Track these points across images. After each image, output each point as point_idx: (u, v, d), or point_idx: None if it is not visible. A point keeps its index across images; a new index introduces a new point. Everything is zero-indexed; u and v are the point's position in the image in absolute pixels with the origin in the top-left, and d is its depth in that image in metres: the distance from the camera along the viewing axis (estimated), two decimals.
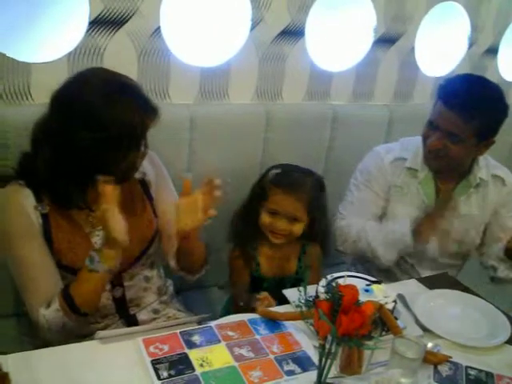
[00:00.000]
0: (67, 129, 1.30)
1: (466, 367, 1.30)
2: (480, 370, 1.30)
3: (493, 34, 2.50)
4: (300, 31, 1.99)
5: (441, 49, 2.34)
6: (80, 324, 1.39)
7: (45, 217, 1.38)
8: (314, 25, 1.99)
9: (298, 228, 1.71)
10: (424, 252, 1.84)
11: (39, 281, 1.39)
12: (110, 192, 1.27)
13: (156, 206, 1.57)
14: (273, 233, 1.70)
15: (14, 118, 1.57)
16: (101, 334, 1.26)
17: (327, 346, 0.95)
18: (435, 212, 1.76)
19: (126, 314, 1.54)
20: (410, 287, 1.66)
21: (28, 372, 1.12)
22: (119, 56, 1.71)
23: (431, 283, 1.68)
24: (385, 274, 1.85)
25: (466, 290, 1.67)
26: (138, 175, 1.52)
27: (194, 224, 1.37)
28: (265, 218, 1.70)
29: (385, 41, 2.21)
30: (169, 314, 1.63)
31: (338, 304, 0.93)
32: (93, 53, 1.68)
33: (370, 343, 0.98)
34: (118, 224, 1.29)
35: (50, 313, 1.36)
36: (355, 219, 1.86)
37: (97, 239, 1.42)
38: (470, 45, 2.42)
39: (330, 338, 0.96)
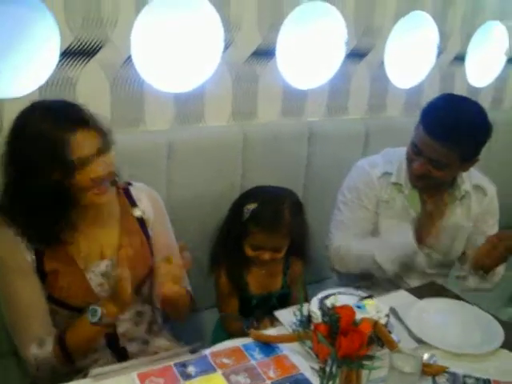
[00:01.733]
0: (12, 160, 1.32)
1: (464, 376, 1.30)
2: (477, 378, 1.30)
3: (460, 41, 2.54)
4: (271, 51, 2.00)
5: (410, 59, 2.36)
6: (68, 366, 1.37)
7: (38, 253, 1.37)
8: (285, 43, 1.99)
9: (282, 253, 1.74)
10: (412, 264, 1.83)
11: (30, 319, 1.38)
12: (125, 257, 1.31)
13: (153, 244, 1.56)
14: (258, 260, 1.72)
15: None
16: (94, 372, 1.23)
17: (328, 370, 0.94)
18: (425, 216, 1.77)
19: (115, 347, 1.51)
20: (399, 298, 1.66)
21: None
22: (91, 86, 1.70)
23: (420, 293, 1.68)
24: (373, 287, 1.84)
25: (455, 296, 1.68)
26: (136, 213, 1.52)
27: (173, 293, 1.36)
28: (248, 252, 1.73)
29: (356, 55, 2.24)
30: (159, 345, 1.60)
31: (337, 326, 0.92)
32: (64, 84, 1.66)
33: (370, 363, 0.97)
34: (129, 287, 1.30)
35: (41, 353, 1.35)
36: (351, 239, 1.84)
37: (91, 275, 1.42)
38: (439, 53, 2.46)
39: (329, 360, 0.95)
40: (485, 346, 1.41)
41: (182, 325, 1.88)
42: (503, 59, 2.73)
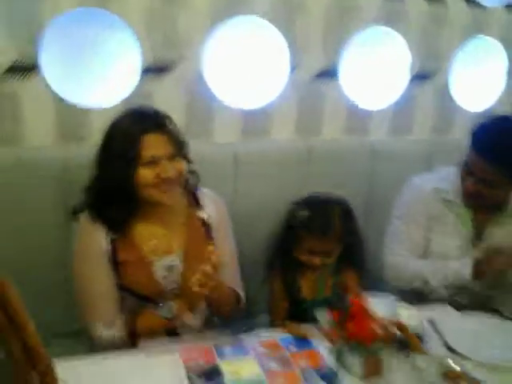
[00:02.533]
0: (99, 157, 1.53)
1: None
2: None
3: None
4: (335, 71, 2.12)
5: (478, 83, 2.39)
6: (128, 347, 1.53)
7: (113, 243, 1.55)
8: (349, 65, 2.12)
9: (333, 258, 1.82)
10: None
11: (101, 302, 1.56)
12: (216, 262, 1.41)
13: (215, 246, 1.68)
14: (310, 264, 1.81)
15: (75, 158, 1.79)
16: (142, 344, 1.39)
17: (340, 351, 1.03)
18: (491, 253, 1.75)
19: (173, 334, 1.63)
20: (440, 311, 1.69)
21: (75, 378, 1.24)
22: (167, 100, 1.90)
23: (462, 308, 1.70)
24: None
25: (499, 314, 1.67)
26: (202, 215, 1.68)
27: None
28: (301, 256, 1.82)
29: (420, 77, 2.30)
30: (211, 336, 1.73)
31: (347, 313, 1.01)
32: (144, 97, 1.88)
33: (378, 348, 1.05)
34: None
35: (107, 334, 1.52)
36: (408, 257, 1.89)
37: (156, 268, 1.58)
38: (509, 79, 2.46)
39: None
40: None
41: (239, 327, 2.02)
42: None
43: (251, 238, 1.97)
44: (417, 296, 1.89)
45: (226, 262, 1.74)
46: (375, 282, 2.05)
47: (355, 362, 1.24)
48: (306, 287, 1.89)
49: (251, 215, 2.06)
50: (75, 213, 1.59)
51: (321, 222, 1.78)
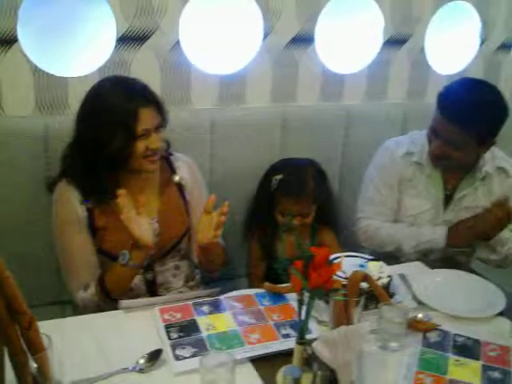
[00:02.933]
0: (83, 126, 1.57)
1: (454, 335, 1.40)
2: (468, 338, 1.39)
3: (505, 31, 2.56)
4: (310, 38, 2.15)
5: (452, 47, 2.43)
6: (110, 304, 1.58)
7: (89, 209, 1.61)
8: (323, 31, 2.15)
9: (310, 218, 1.89)
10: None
11: (79, 268, 1.63)
12: (123, 203, 1.47)
13: (190, 206, 1.77)
14: (287, 226, 1.88)
15: (54, 127, 1.82)
16: (124, 303, 1.45)
17: (302, 298, 1.10)
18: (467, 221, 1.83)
19: (155, 295, 1.71)
20: (414, 267, 1.77)
21: (59, 335, 1.31)
22: (144, 68, 1.93)
23: (434, 265, 1.77)
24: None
25: (469, 270, 1.74)
26: (176, 179, 1.75)
27: (208, 240, 1.53)
28: (279, 218, 1.89)
29: (395, 42, 2.33)
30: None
31: (309, 262, 1.08)
32: (120, 66, 1.90)
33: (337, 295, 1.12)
34: (140, 229, 1.49)
35: (87, 296, 1.59)
36: (380, 220, 1.96)
37: None
38: (482, 42, 2.51)
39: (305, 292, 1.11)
40: (481, 312, 1.49)
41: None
42: None
43: (227, 199, 2.00)
44: (390, 257, 1.97)
45: None
46: (353, 244, 2.13)
47: (323, 311, 1.32)
48: (286, 249, 1.96)
49: (228, 180, 2.12)
50: (52, 184, 1.65)
51: (295, 183, 1.84)
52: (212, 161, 2.09)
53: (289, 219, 1.88)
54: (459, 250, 1.94)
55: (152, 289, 1.73)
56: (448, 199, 1.92)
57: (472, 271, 1.76)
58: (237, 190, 2.12)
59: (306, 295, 1.11)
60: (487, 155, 1.87)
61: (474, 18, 2.43)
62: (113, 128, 1.51)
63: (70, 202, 1.60)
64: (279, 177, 1.88)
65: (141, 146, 1.55)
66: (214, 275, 1.82)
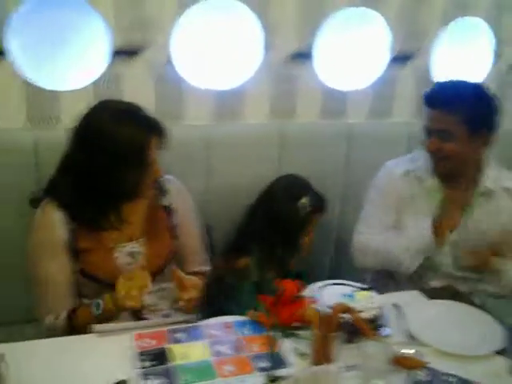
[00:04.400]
0: (85, 154, 1.50)
1: (443, 374, 1.31)
2: (459, 378, 1.30)
3: None
4: (310, 53, 2.09)
5: (461, 64, 2.34)
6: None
7: (72, 231, 1.56)
8: (324, 46, 2.08)
9: None
10: (434, 263, 1.84)
11: (51, 296, 1.57)
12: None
13: (178, 230, 1.73)
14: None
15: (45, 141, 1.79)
16: (97, 327, 1.40)
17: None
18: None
19: (139, 318, 1.65)
20: (409, 297, 1.68)
21: (27, 361, 1.26)
22: (137, 83, 1.90)
23: (433, 295, 1.69)
24: (393, 287, 1.87)
25: (468, 301, 1.65)
26: (165, 202, 1.70)
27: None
28: (305, 240, 1.99)
29: (401, 58, 2.26)
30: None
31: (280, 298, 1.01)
32: (114, 80, 1.87)
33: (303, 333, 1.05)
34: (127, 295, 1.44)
35: (53, 324, 1.55)
36: (372, 233, 1.90)
37: (118, 254, 1.60)
38: (496, 60, 2.41)
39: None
40: (477, 349, 1.40)
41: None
42: None
43: (221, 222, 2.01)
44: (389, 283, 1.90)
45: (195, 245, 1.80)
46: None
47: (303, 347, 1.24)
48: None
49: (223, 198, 2.07)
50: (36, 201, 1.60)
51: (322, 198, 1.97)
52: (206, 180, 2.04)
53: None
54: (464, 275, 1.85)
55: (136, 311, 1.66)
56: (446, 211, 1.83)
57: (471, 302, 1.66)
58: (232, 209, 2.05)
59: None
60: (491, 172, 1.82)
61: (486, 35, 2.34)
62: (125, 163, 1.48)
63: (53, 224, 1.55)
64: (305, 201, 1.90)
65: (151, 177, 1.55)
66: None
